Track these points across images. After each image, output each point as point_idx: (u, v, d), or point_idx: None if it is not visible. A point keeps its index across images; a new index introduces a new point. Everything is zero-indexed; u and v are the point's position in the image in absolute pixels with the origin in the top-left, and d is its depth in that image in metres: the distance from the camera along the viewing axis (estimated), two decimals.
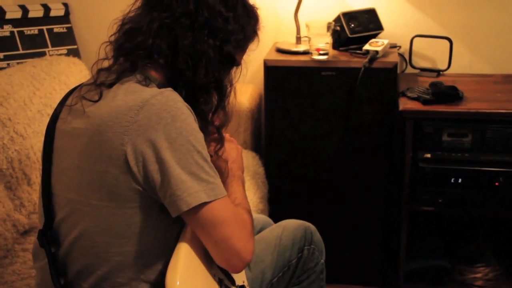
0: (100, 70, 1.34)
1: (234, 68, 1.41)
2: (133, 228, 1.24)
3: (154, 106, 1.20)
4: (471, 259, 2.49)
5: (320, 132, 2.40)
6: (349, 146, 2.39)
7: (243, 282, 1.48)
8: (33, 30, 2.65)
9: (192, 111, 1.25)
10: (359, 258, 2.54)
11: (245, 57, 1.46)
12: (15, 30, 2.59)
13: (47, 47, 2.67)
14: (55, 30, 2.71)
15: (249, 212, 1.36)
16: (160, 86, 1.28)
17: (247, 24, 1.37)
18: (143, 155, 1.19)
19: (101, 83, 1.29)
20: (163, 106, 1.20)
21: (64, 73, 2.37)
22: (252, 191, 2.30)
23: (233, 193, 1.41)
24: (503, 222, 2.57)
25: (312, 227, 1.75)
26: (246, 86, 2.65)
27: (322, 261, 1.75)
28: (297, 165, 2.47)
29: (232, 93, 1.40)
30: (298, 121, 2.40)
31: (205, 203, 1.19)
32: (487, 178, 2.16)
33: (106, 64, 1.34)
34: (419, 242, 2.60)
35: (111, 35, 1.35)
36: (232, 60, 1.35)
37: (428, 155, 2.20)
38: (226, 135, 1.58)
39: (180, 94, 1.27)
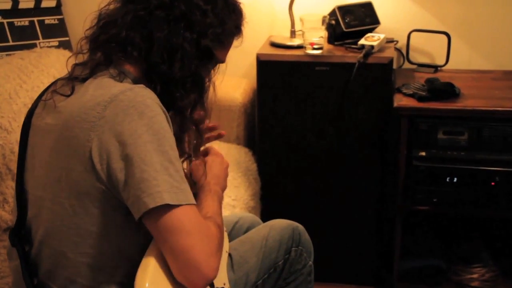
0: (75, 65, 1.30)
1: (216, 64, 1.36)
2: (100, 229, 1.20)
3: (122, 102, 1.16)
4: (468, 259, 2.45)
5: (314, 129, 2.35)
6: (343, 143, 2.35)
7: (224, 285, 1.43)
8: (23, 21, 2.60)
9: (165, 110, 1.20)
10: (353, 257, 2.50)
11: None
12: (5, 21, 2.54)
13: (38, 39, 2.63)
14: (47, 21, 2.66)
15: (219, 227, 1.26)
16: (135, 80, 1.25)
17: (227, 18, 1.32)
18: (108, 153, 1.15)
19: (74, 77, 1.26)
20: (131, 102, 1.16)
21: (54, 66, 2.32)
22: (243, 188, 2.26)
23: (205, 207, 1.32)
24: (500, 221, 2.52)
25: (300, 227, 1.70)
26: (239, 81, 2.61)
27: (310, 262, 1.70)
28: (290, 162, 2.42)
29: (212, 88, 1.35)
30: (291, 117, 2.35)
31: (168, 207, 1.12)
32: (483, 178, 2.11)
33: (81, 58, 1.30)
34: (415, 242, 2.56)
35: (87, 29, 1.31)
36: (210, 54, 1.30)
37: (423, 153, 2.15)
38: (213, 148, 1.56)
39: (155, 89, 1.23)
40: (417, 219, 2.56)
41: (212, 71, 1.39)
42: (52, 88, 1.30)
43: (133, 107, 1.15)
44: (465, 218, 2.57)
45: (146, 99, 1.17)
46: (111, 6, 1.32)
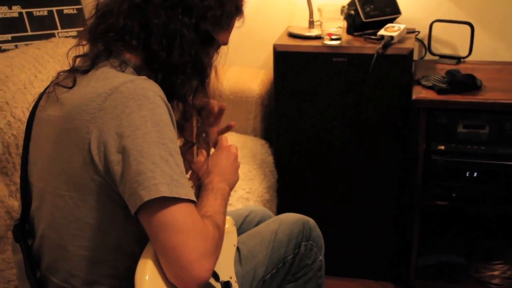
0: (76, 57, 1.29)
1: (218, 47, 1.33)
2: (99, 222, 1.18)
3: (122, 94, 1.14)
4: (489, 256, 2.39)
5: (331, 121, 2.31)
6: (361, 136, 2.30)
7: (230, 278, 1.41)
8: (42, 11, 2.60)
9: (168, 103, 1.17)
10: (371, 252, 2.46)
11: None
12: (24, 11, 2.54)
13: (56, 28, 2.62)
14: (65, 11, 2.66)
15: (218, 227, 1.21)
16: (136, 68, 1.23)
17: (227, 0, 1.29)
18: (105, 144, 1.13)
19: (75, 69, 1.25)
20: (131, 94, 1.13)
21: (71, 56, 2.32)
22: (258, 181, 2.24)
23: (206, 205, 1.28)
24: None
25: (311, 221, 1.67)
26: (257, 72, 2.58)
27: (321, 257, 1.67)
28: (307, 154, 2.39)
29: (214, 73, 1.32)
30: (308, 109, 2.32)
31: (163, 202, 1.08)
32: (504, 173, 2.05)
33: (82, 50, 1.29)
34: (435, 237, 2.51)
35: (87, 20, 1.30)
36: (210, 38, 1.27)
37: (442, 147, 2.10)
38: (220, 141, 1.50)
39: (156, 77, 1.21)
40: (437, 215, 2.51)
41: (216, 54, 1.36)
42: (54, 81, 1.29)
43: (132, 99, 1.13)
44: (487, 213, 2.50)
45: (147, 91, 1.15)
46: None
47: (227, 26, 1.34)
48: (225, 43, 1.36)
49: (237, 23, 1.37)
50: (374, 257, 2.46)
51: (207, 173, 1.38)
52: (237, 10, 1.35)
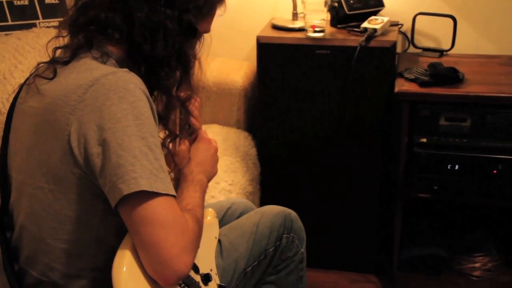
0: (56, 48, 1.28)
1: (200, 37, 1.32)
2: (78, 215, 1.17)
3: (103, 86, 1.12)
4: (471, 249, 2.41)
5: (314, 114, 2.31)
6: (344, 128, 2.30)
7: (211, 271, 1.40)
8: (23, 1, 2.56)
9: (149, 96, 1.16)
10: (354, 245, 2.46)
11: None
12: (4, 0, 2.51)
13: (37, 18, 2.58)
14: (47, 1, 2.62)
15: (198, 221, 1.21)
16: (119, 61, 1.22)
17: None
18: (85, 137, 1.11)
19: (55, 60, 1.23)
20: (112, 86, 1.12)
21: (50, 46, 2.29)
22: (241, 173, 2.23)
23: (186, 198, 1.27)
24: (504, 210, 2.47)
25: (293, 214, 1.67)
26: (240, 63, 2.56)
27: (302, 250, 1.67)
28: (290, 147, 2.38)
29: (197, 65, 1.31)
30: (291, 101, 2.31)
31: (143, 196, 1.08)
32: (486, 165, 2.06)
33: (62, 42, 1.27)
34: (417, 230, 2.52)
35: (68, 11, 1.28)
36: (194, 30, 1.26)
37: (424, 140, 2.10)
38: (200, 133, 1.49)
39: (140, 69, 1.20)
40: (419, 207, 2.52)
41: (198, 45, 1.35)
42: (35, 72, 1.28)
43: (113, 91, 1.12)
44: (469, 206, 2.52)
45: (129, 83, 1.14)
46: None
47: (209, 15, 1.32)
48: (207, 31, 1.34)
49: (218, 11, 1.36)
50: (356, 249, 2.46)
51: (188, 163, 1.37)
52: None
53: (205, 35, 1.35)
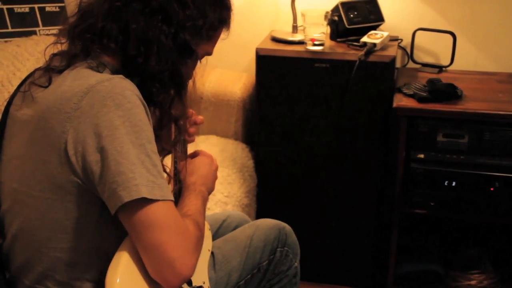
0: (54, 55, 1.28)
1: (197, 59, 1.32)
2: (74, 223, 1.17)
3: (99, 93, 1.12)
4: (467, 265, 2.39)
5: (312, 126, 2.30)
6: (342, 142, 2.30)
7: (203, 283, 1.40)
8: (23, 8, 2.57)
9: (145, 103, 1.16)
10: (349, 259, 2.45)
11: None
12: (4, 7, 2.51)
13: (37, 26, 2.59)
14: (47, 8, 2.63)
15: (198, 226, 1.23)
16: (114, 71, 1.21)
17: (210, 11, 1.27)
18: (83, 145, 1.11)
19: (51, 68, 1.23)
20: (108, 93, 1.12)
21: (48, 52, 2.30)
22: (237, 185, 2.23)
23: (187, 205, 1.30)
24: (501, 227, 2.47)
25: (287, 228, 1.66)
26: (239, 75, 2.56)
27: (296, 264, 1.65)
28: (287, 159, 2.38)
29: (191, 83, 1.31)
30: (289, 114, 2.31)
31: (143, 202, 1.09)
32: (483, 183, 2.05)
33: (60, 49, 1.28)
34: (413, 246, 2.51)
35: (69, 18, 1.28)
36: (189, 49, 1.26)
37: (422, 156, 2.10)
38: (203, 151, 1.53)
39: (133, 81, 1.19)
40: (416, 223, 2.51)
41: (198, 63, 1.35)
42: (30, 79, 1.27)
43: (110, 98, 1.12)
44: (465, 223, 2.51)
45: (125, 90, 1.14)
46: None
47: (209, 38, 1.32)
48: (209, 54, 1.35)
49: (222, 35, 1.36)
50: (352, 264, 2.45)
51: (191, 174, 1.41)
52: (220, 22, 1.33)
53: None
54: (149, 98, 1.21)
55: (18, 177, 1.22)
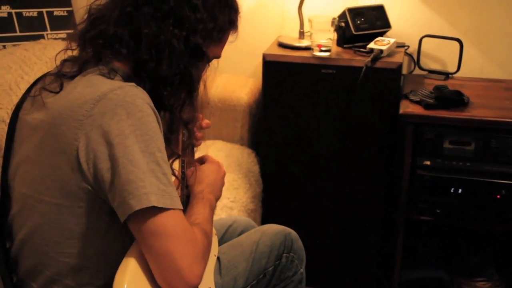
0: (65, 61, 1.28)
1: (208, 61, 1.32)
2: (83, 229, 1.18)
3: (111, 101, 1.13)
4: (472, 272, 2.39)
5: (318, 132, 2.31)
6: (348, 148, 2.30)
7: None
8: (32, 12, 2.58)
9: (156, 111, 1.17)
10: (354, 265, 2.45)
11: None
12: (13, 11, 2.53)
13: (45, 30, 2.61)
14: (55, 13, 2.64)
15: (206, 234, 1.24)
16: (125, 77, 1.22)
17: (220, 13, 1.28)
18: (95, 152, 1.12)
19: (62, 74, 1.23)
20: (120, 101, 1.13)
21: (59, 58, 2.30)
22: (243, 190, 2.23)
23: (195, 213, 1.31)
24: (507, 234, 2.46)
25: (293, 233, 1.66)
26: (246, 80, 2.57)
27: (302, 270, 1.65)
28: (293, 165, 2.38)
29: (202, 86, 1.32)
30: (296, 119, 2.31)
31: (153, 210, 1.10)
32: (489, 190, 2.05)
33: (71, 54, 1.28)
34: (419, 252, 2.50)
35: (78, 24, 1.28)
36: (200, 52, 1.26)
37: (428, 163, 2.09)
38: (211, 157, 1.54)
39: (144, 86, 1.20)
40: (421, 229, 2.51)
41: (207, 67, 1.36)
42: (40, 84, 1.28)
43: (121, 106, 1.12)
44: (471, 230, 2.51)
45: (136, 98, 1.14)
46: (102, 1, 1.29)
47: (219, 40, 1.33)
48: (217, 57, 1.36)
49: (230, 38, 1.37)
50: (357, 270, 2.45)
51: (199, 182, 1.41)
52: (230, 24, 1.34)
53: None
54: (160, 102, 1.22)
55: (27, 182, 1.23)
